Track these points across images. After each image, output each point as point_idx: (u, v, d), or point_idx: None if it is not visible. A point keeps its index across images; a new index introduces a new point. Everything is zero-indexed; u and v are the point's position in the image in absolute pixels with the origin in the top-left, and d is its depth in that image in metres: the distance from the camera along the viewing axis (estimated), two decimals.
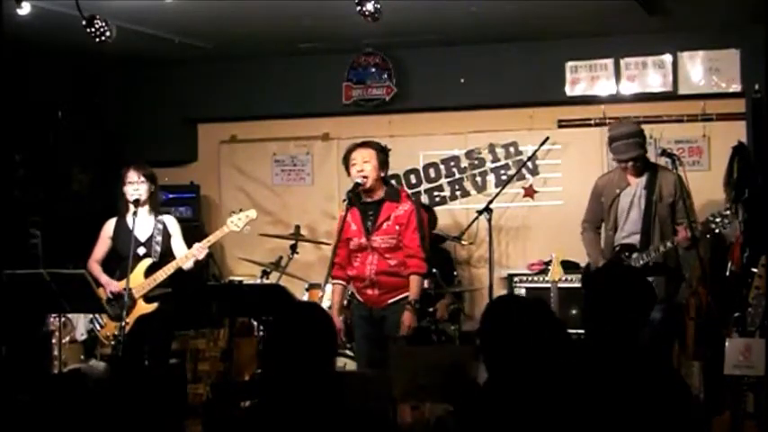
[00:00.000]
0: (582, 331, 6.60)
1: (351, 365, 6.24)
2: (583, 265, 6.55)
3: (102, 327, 6.13)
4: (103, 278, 6.04)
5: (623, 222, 6.07)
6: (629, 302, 3.24)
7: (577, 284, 6.68)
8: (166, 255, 6.03)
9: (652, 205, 5.96)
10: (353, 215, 5.54)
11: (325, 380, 2.84)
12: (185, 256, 5.96)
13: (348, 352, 6.34)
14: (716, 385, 5.16)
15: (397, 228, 5.50)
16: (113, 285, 5.99)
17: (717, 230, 5.85)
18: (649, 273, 5.53)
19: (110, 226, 6.14)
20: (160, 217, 6.11)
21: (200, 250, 5.94)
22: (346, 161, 5.58)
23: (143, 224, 5.99)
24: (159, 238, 6.03)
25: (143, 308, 5.95)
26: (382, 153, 5.57)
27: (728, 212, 5.78)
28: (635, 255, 5.93)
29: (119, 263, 6.11)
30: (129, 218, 6.00)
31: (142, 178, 6.01)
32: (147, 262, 5.98)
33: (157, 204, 6.15)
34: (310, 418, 2.77)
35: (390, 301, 5.56)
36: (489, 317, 3.12)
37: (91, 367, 6.95)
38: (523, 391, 2.93)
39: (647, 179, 6.02)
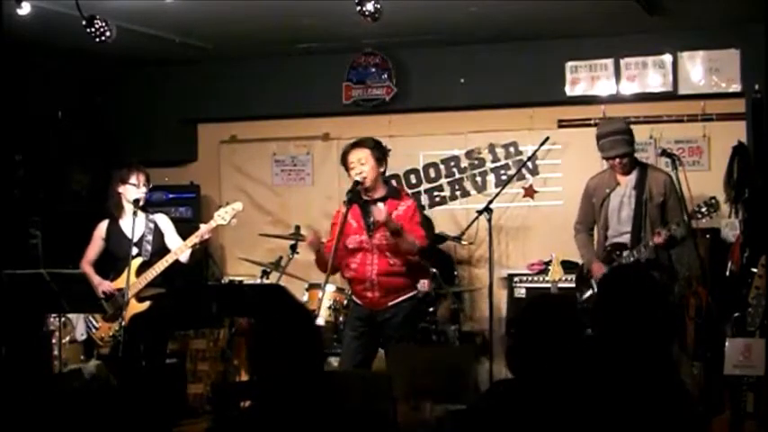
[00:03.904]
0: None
1: None
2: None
3: (96, 329, 6.13)
4: (95, 279, 6.04)
5: (614, 222, 6.10)
6: (638, 303, 3.22)
7: None
8: (160, 253, 6.04)
9: (642, 205, 5.99)
10: (354, 213, 5.49)
11: (313, 381, 2.83)
12: (179, 249, 5.98)
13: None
14: (716, 385, 5.16)
15: (400, 224, 5.47)
16: (105, 285, 6.00)
17: (704, 219, 5.87)
18: (639, 269, 5.58)
19: (102, 228, 6.16)
20: (151, 216, 6.13)
21: (188, 245, 5.96)
22: (344, 162, 5.57)
23: (136, 224, 5.98)
24: (150, 237, 6.06)
25: (135, 307, 5.96)
26: (378, 150, 5.52)
27: (713, 201, 5.81)
28: (625, 253, 5.96)
29: (113, 264, 6.12)
30: (125, 219, 6.03)
31: (146, 180, 6.07)
32: (137, 261, 5.98)
33: (147, 204, 6.17)
34: (304, 419, 2.77)
35: (391, 303, 5.50)
36: (525, 318, 3.11)
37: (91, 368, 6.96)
38: (549, 392, 2.93)
39: (636, 178, 6.05)
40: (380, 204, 5.38)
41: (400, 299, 5.51)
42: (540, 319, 3.05)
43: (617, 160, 6.02)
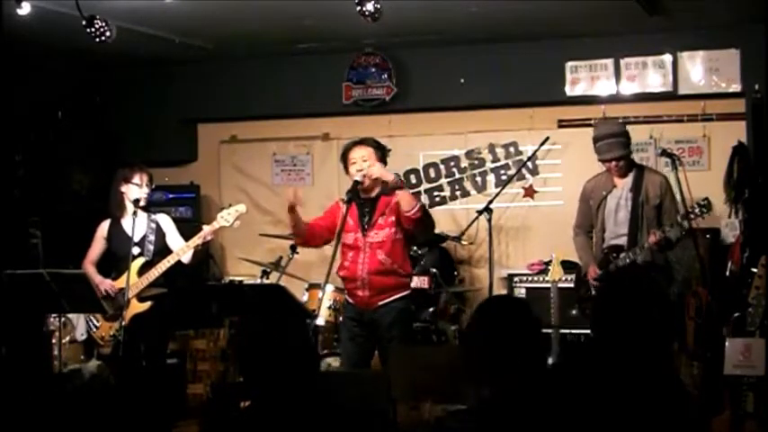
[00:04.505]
0: (581, 332, 6.65)
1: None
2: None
3: (96, 328, 6.13)
4: (97, 278, 6.03)
5: (611, 224, 6.11)
6: (636, 305, 3.21)
7: None
8: (162, 253, 6.03)
9: (638, 207, 6.00)
10: (351, 211, 5.50)
11: (309, 381, 2.83)
12: (181, 249, 5.97)
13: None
14: (716, 385, 5.16)
15: (392, 219, 5.46)
16: (107, 284, 6.00)
17: (697, 220, 5.86)
18: (637, 271, 5.60)
19: (104, 227, 6.15)
20: (153, 216, 6.13)
21: (191, 246, 5.95)
22: (344, 159, 5.57)
23: (137, 224, 5.98)
24: (152, 237, 6.04)
25: (137, 307, 5.95)
26: (380, 150, 5.54)
27: (706, 202, 5.80)
28: (621, 255, 5.96)
29: (114, 263, 6.12)
30: (127, 218, 6.03)
31: (149, 180, 6.07)
32: (139, 261, 5.97)
33: (149, 204, 6.18)
34: (303, 419, 2.77)
35: (381, 302, 5.48)
36: (477, 322, 3.09)
37: (91, 367, 6.97)
38: (525, 396, 2.92)
39: (632, 181, 6.05)
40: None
41: (391, 298, 5.49)
42: (492, 323, 3.04)
43: (613, 163, 6.03)
